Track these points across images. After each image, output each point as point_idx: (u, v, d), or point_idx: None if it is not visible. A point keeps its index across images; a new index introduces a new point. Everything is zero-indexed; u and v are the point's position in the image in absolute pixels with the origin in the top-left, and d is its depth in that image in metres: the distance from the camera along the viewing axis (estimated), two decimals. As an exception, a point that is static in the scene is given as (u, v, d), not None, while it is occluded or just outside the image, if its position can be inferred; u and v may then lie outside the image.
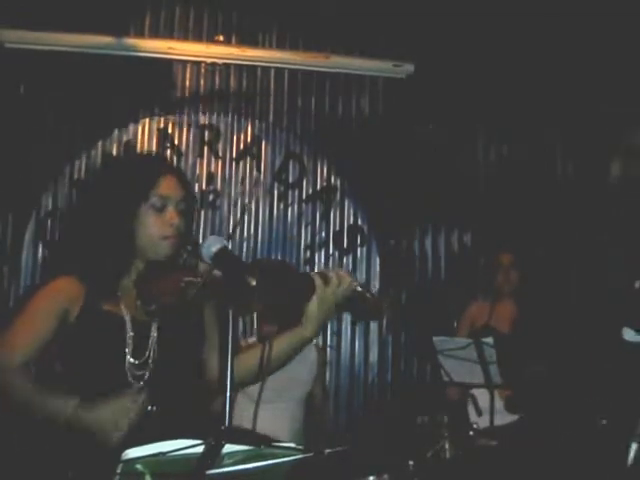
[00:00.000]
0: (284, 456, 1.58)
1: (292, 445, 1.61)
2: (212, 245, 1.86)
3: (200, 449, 1.51)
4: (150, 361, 1.98)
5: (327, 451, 1.59)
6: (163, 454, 1.51)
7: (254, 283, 1.82)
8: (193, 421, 1.98)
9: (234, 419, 1.60)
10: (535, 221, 4.94)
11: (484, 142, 5.14)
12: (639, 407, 1.86)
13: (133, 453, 1.51)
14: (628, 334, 2.04)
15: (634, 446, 1.86)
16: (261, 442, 1.54)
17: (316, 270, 4.46)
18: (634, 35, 4.57)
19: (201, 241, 1.91)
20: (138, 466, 1.52)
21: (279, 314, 2.27)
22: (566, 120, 4.97)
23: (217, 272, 1.85)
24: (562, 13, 4.79)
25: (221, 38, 4.87)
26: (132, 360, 1.95)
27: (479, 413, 3.83)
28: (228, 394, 1.81)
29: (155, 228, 1.99)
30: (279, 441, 1.66)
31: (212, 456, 1.48)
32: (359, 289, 1.95)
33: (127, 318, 1.98)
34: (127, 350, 1.95)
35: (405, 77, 5.02)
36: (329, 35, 4.98)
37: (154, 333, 2.00)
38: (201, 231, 4.84)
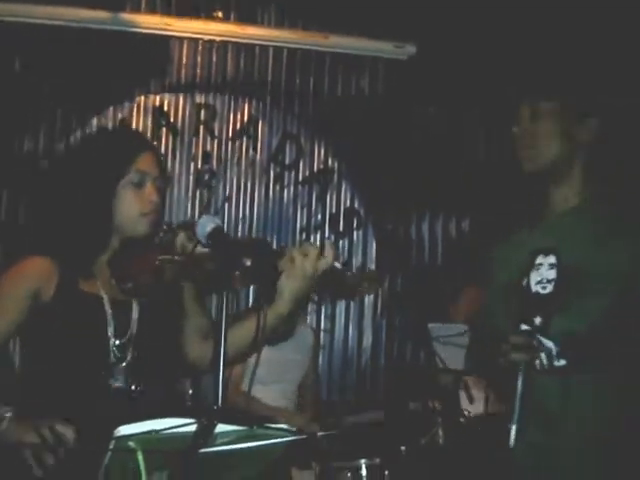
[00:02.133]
0: (277, 437, 1.56)
1: (284, 426, 1.58)
2: (207, 224, 1.83)
3: (192, 428, 1.50)
4: (132, 341, 1.95)
5: (319, 434, 1.56)
6: (156, 432, 1.50)
7: (249, 263, 1.80)
8: (175, 400, 1.97)
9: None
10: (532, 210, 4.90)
11: (485, 126, 5.09)
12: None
13: (125, 430, 1.50)
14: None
15: (513, 427, 1.95)
16: (253, 422, 1.51)
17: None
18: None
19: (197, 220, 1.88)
20: (130, 443, 1.51)
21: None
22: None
23: (198, 250, 1.82)
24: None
25: (220, 14, 4.80)
26: (114, 340, 1.93)
27: (471, 400, 3.82)
28: (221, 374, 1.79)
29: (134, 204, 1.96)
30: (271, 422, 1.65)
31: (204, 435, 1.47)
32: (338, 266, 1.88)
33: (105, 297, 1.95)
34: (109, 330, 1.92)
35: (407, 58, 4.96)
36: (329, 14, 4.91)
37: (135, 313, 1.98)
38: (197, 211, 4.81)
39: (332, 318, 4.90)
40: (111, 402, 1.91)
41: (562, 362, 2.03)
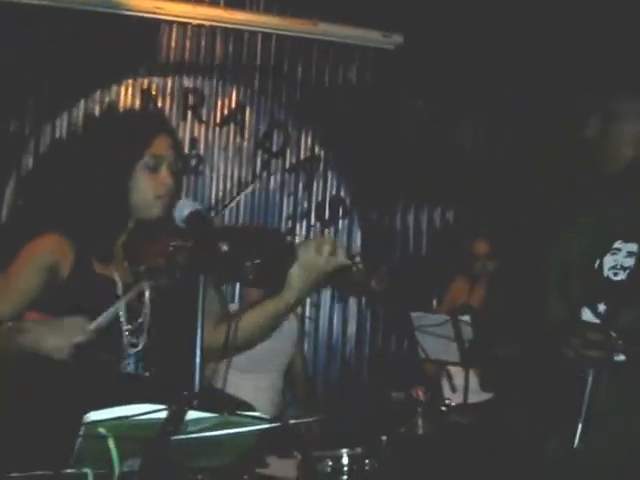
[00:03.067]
0: (250, 425, 1.55)
1: (258, 414, 1.58)
2: (184, 208, 1.82)
3: (164, 414, 1.49)
4: (144, 326, 1.94)
5: (292, 422, 1.56)
6: (126, 418, 1.49)
7: (225, 248, 1.79)
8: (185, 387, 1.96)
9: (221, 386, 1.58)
10: (519, 202, 4.91)
11: (472, 117, 5.09)
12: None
13: (95, 416, 1.48)
14: (586, 314, 2.03)
15: (580, 427, 1.85)
16: (224, 409, 1.50)
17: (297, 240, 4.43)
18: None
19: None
20: (101, 429, 1.49)
21: (265, 280, 2.23)
22: (561, 99, 4.91)
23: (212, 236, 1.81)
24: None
25: (206, -3, 4.77)
26: (127, 325, 1.91)
27: (453, 389, 3.84)
28: (198, 360, 1.79)
29: (149, 187, 1.95)
30: (244, 409, 1.64)
31: (174, 422, 1.45)
32: (349, 263, 1.88)
33: (118, 281, 1.94)
34: (122, 315, 1.91)
35: (394, 48, 4.95)
36: (318, 2, 4.88)
37: (147, 297, 1.96)
38: (183, 195, 4.77)
39: (317, 306, 4.90)
40: (123, 387, 1.90)
41: (621, 357, 1.91)
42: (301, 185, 4.95)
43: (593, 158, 2.08)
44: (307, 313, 4.88)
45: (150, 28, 4.78)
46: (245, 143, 4.91)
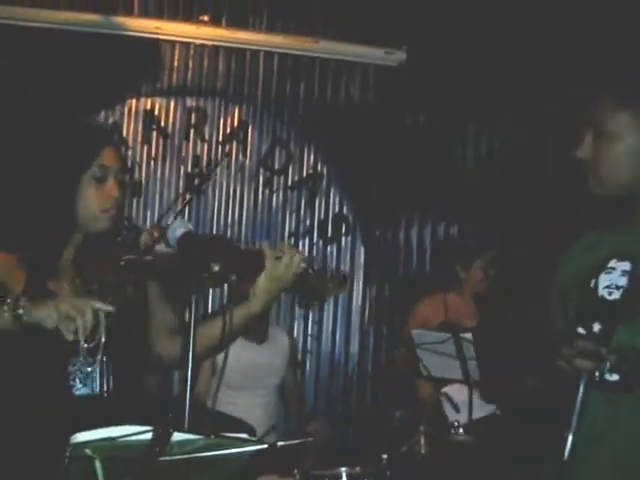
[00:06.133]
0: (236, 446, 1.54)
1: (243, 436, 1.57)
2: (177, 228, 1.86)
3: (149, 435, 1.48)
4: (100, 344, 1.88)
5: (280, 443, 1.55)
6: (112, 439, 1.48)
7: (217, 269, 1.81)
8: (145, 405, 1.95)
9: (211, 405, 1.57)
10: (521, 217, 4.89)
11: (475, 133, 5.09)
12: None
13: (82, 437, 1.48)
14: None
15: (570, 438, 1.79)
16: (210, 432, 1.50)
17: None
18: None
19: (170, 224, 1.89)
20: (87, 450, 1.49)
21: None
22: (562, 113, 4.91)
23: (161, 249, 1.82)
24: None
25: (206, 18, 4.80)
26: (84, 344, 1.84)
27: (457, 409, 3.80)
28: (189, 383, 1.79)
29: (95, 200, 1.93)
30: (237, 427, 1.63)
31: (160, 444, 1.45)
32: (306, 268, 1.92)
33: None
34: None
35: (397, 65, 4.96)
36: (320, 20, 4.91)
37: (102, 315, 1.92)
38: (186, 214, 4.80)
39: (319, 323, 4.89)
40: (79, 407, 1.89)
41: (614, 377, 1.88)
42: (303, 202, 4.95)
43: (587, 177, 2.06)
44: (309, 330, 4.87)
45: (153, 48, 4.81)
46: (247, 161, 4.92)
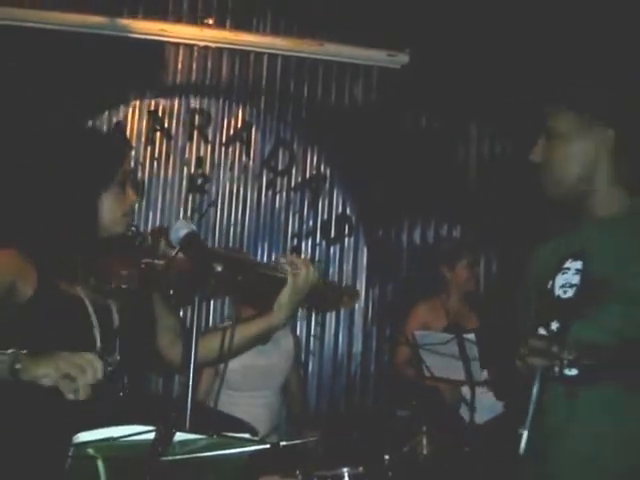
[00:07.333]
0: (238, 446, 1.55)
1: (246, 436, 1.58)
2: (180, 229, 1.86)
3: (152, 435, 1.49)
4: (114, 345, 1.91)
5: (282, 443, 1.56)
6: (114, 439, 1.49)
7: (219, 269, 1.83)
8: (156, 405, 1.97)
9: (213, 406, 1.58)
10: (521, 217, 4.89)
11: (477, 135, 5.10)
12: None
13: (84, 437, 1.49)
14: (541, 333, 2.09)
15: (525, 434, 1.85)
16: (212, 432, 1.51)
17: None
18: None
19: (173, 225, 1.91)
20: (90, 450, 1.50)
21: (256, 299, 2.29)
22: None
23: (180, 256, 1.83)
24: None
25: (211, 21, 4.82)
26: (100, 345, 1.87)
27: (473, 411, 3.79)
28: (190, 383, 1.80)
29: (118, 204, 1.95)
30: (240, 427, 1.65)
31: (162, 443, 1.45)
32: (322, 280, 1.99)
33: (87, 300, 1.91)
34: (96, 335, 1.88)
35: (400, 67, 4.97)
36: (324, 22, 4.93)
37: (115, 316, 1.96)
38: (189, 215, 4.82)
39: (322, 325, 4.90)
40: (97, 407, 1.89)
41: (573, 371, 1.93)
42: (307, 203, 4.97)
43: (541, 180, 2.11)
44: (312, 332, 4.89)
45: (157, 50, 4.84)
46: (251, 162, 4.94)
